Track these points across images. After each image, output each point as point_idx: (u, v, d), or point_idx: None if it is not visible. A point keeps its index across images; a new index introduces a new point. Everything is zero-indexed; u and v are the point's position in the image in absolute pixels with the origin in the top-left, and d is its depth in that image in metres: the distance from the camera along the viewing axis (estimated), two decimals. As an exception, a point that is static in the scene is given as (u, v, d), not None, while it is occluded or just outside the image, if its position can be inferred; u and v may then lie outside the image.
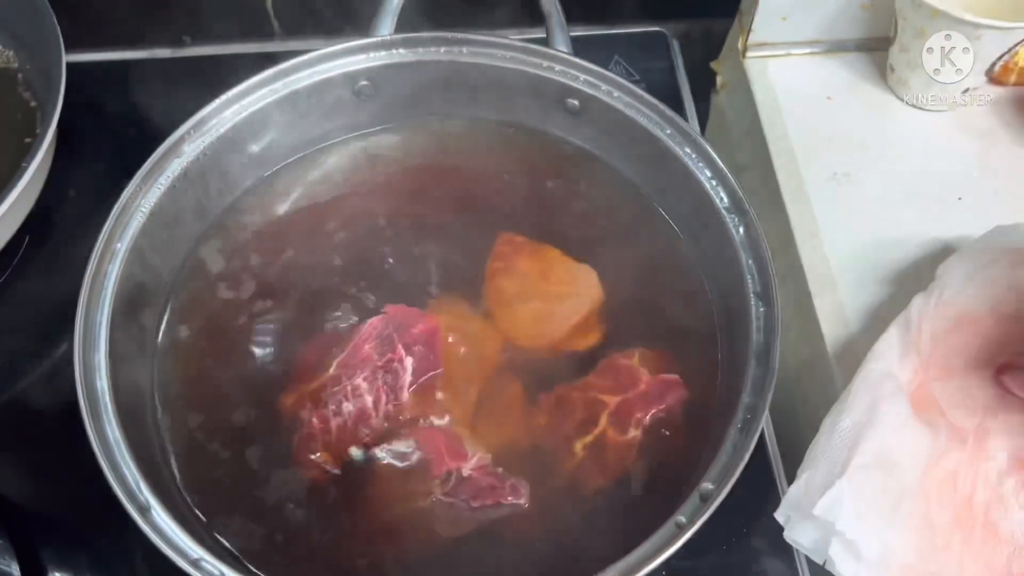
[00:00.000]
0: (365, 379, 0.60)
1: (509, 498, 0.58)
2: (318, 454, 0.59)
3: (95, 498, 0.54)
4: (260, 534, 0.58)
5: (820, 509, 0.56)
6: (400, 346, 0.61)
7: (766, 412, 0.55)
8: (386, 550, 0.58)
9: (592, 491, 0.60)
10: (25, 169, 0.69)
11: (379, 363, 0.61)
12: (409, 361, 0.61)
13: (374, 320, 0.63)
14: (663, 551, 0.51)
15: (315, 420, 0.59)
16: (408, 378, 0.61)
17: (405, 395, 0.61)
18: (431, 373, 0.62)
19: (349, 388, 0.59)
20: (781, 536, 0.60)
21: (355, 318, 0.65)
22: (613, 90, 0.68)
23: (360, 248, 0.70)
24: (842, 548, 0.57)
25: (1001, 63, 0.76)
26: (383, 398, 0.60)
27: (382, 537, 0.58)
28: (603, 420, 0.62)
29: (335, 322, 0.65)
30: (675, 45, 0.92)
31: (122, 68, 0.90)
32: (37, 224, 0.76)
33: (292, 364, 0.63)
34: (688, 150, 0.66)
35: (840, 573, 0.57)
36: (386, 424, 0.60)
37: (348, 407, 0.59)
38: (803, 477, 0.58)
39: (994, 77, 0.78)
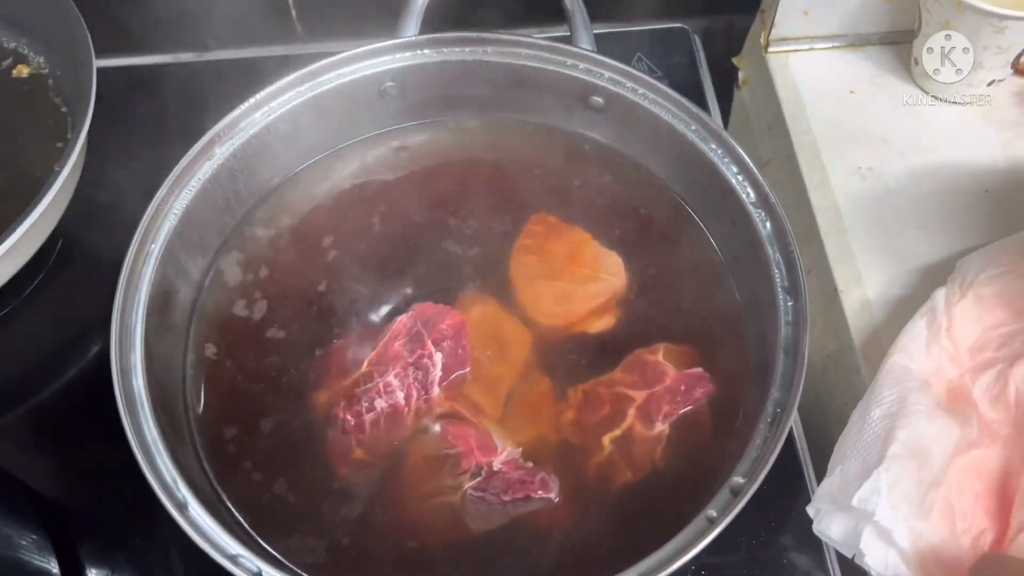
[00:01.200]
0: (396, 376, 0.61)
1: (539, 492, 0.58)
2: (352, 449, 0.60)
3: (132, 496, 0.55)
4: (294, 531, 0.59)
5: (858, 500, 0.57)
6: (429, 342, 0.62)
7: (796, 406, 0.55)
8: (416, 542, 0.58)
9: (620, 484, 0.60)
10: (58, 173, 0.69)
11: (409, 360, 0.61)
12: (439, 356, 0.62)
13: (403, 318, 0.64)
14: (695, 544, 0.51)
15: (349, 417, 0.60)
16: (438, 373, 0.62)
17: (436, 390, 0.62)
18: (459, 372, 0.63)
19: (381, 385, 0.60)
20: (811, 530, 0.60)
21: (386, 313, 0.66)
22: (637, 87, 0.68)
23: (388, 242, 0.70)
24: (873, 539, 0.57)
25: (1027, 54, 0.76)
26: (415, 394, 0.61)
27: (412, 530, 0.58)
28: (630, 415, 0.62)
29: (366, 318, 0.66)
30: (697, 41, 0.92)
31: (149, 72, 0.92)
32: (70, 227, 0.77)
33: (325, 361, 0.64)
34: (714, 146, 0.66)
35: (870, 565, 0.57)
36: (418, 420, 0.61)
37: (381, 403, 0.60)
38: (837, 470, 0.59)
39: (1020, 69, 0.78)
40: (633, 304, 0.67)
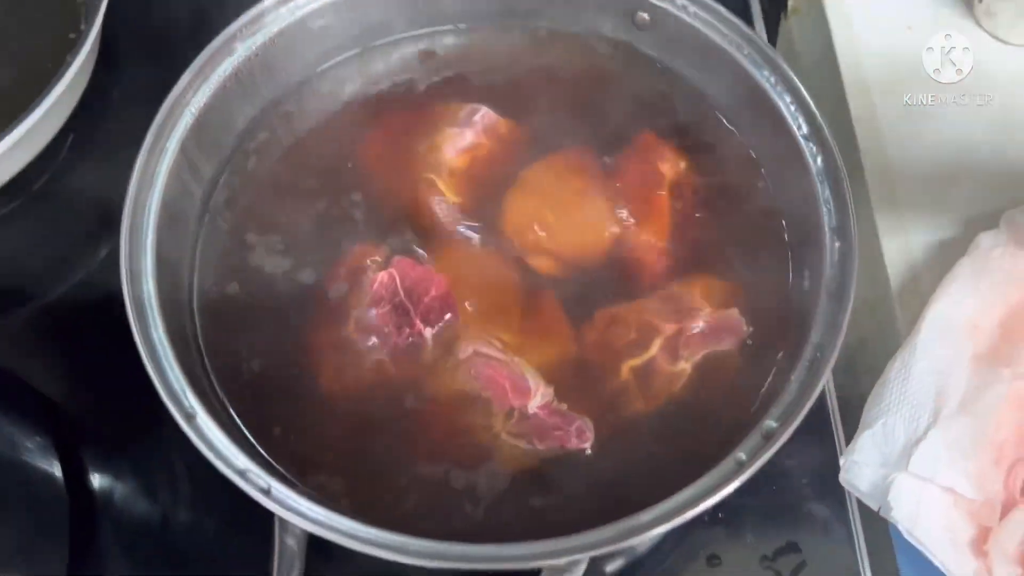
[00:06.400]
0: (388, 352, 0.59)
1: (574, 442, 0.56)
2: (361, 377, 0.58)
3: (138, 401, 0.53)
4: (306, 452, 0.57)
5: (915, 464, 0.55)
6: (418, 320, 0.59)
7: (837, 350, 0.53)
8: (438, 469, 0.57)
9: (635, 416, 0.58)
10: (70, 63, 0.68)
11: (399, 341, 0.59)
12: (429, 332, 0.59)
13: (382, 276, 0.59)
14: (723, 487, 0.49)
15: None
16: (430, 342, 0.59)
17: (429, 356, 0.59)
18: (447, 318, 0.60)
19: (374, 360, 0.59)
20: (832, 480, 0.59)
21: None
22: (688, 4, 0.64)
23: (399, 160, 0.66)
24: (902, 493, 0.55)
25: (1099, -4, 0.71)
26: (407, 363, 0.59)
27: (433, 457, 0.57)
28: (655, 346, 0.59)
29: (364, 241, 0.63)
30: (746, -37, 0.87)
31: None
32: (81, 123, 0.74)
33: (317, 292, 0.61)
34: (767, 73, 0.62)
35: (897, 519, 0.55)
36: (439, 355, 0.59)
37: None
38: (879, 423, 0.57)
39: (1094, 11, 0.74)
40: (675, 232, 0.63)
